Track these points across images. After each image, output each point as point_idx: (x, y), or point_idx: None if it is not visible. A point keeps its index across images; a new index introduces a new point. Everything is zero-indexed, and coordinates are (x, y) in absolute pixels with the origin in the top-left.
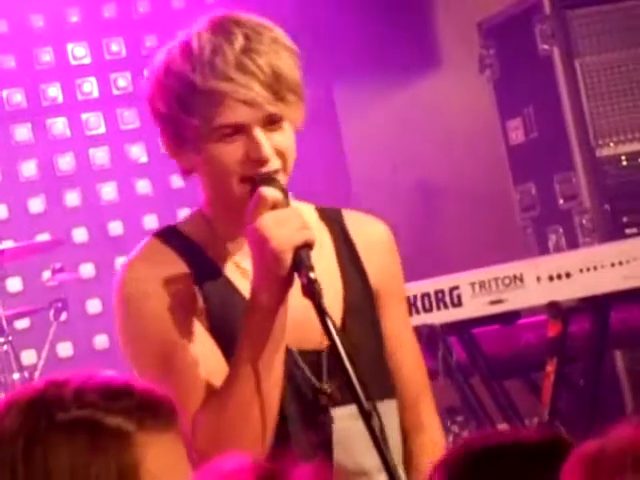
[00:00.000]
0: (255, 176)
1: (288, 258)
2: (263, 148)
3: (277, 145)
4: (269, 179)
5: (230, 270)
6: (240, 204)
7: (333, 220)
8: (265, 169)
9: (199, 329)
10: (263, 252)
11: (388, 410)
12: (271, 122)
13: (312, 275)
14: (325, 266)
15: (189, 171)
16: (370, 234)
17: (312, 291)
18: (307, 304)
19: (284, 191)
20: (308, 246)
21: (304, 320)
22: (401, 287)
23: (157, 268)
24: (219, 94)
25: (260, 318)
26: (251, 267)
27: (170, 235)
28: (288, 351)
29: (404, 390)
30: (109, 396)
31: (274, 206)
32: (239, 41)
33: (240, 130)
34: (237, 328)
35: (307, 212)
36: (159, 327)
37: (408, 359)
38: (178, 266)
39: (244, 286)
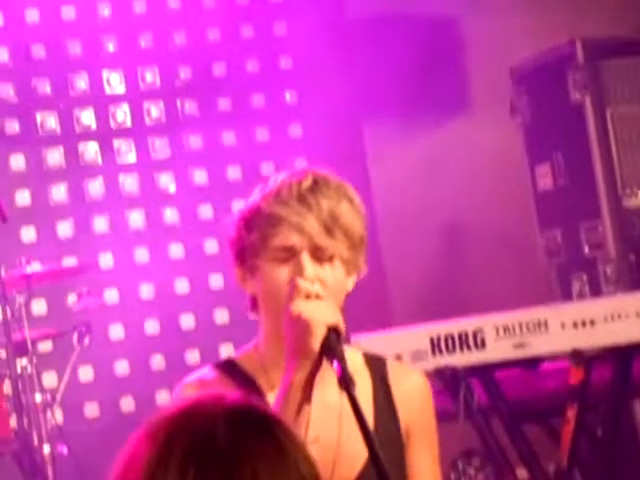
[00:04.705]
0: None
1: (320, 332)
2: (305, 269)
3: (321, 276)
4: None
5: (274, 398)
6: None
7: (376, 366)
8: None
9: None
10: (296, 328)
11: None
12: (321, 255)
13: (343, 362)
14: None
15: (254, 303)
16: (407, 383)
17: (345, 378)
18: (333, 443)
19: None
20: (336, 333)
21: (325, 456)
22: (431, 434)
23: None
24: (276, 217)
25: (287, 394)
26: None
27: (227, 367)
28: None
29: None
30: None
31: (307, 296)
32: (307, 182)
33: (291, 255)
34: None
35: (353, 356)
36: None
37: None
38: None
39: None
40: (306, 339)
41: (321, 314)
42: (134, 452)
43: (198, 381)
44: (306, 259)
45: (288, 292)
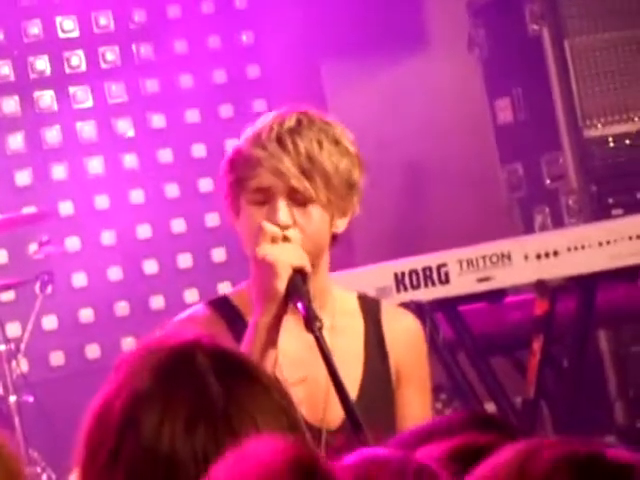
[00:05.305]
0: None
1: (285, 275)
2: (278, 213)
3: (298, 220)
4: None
5: None
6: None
7: (369, 308)
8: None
9: None
10: (261, 271)
11: None
12: (298, 199)
13: (308, 302)
14: (350, 345)
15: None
16: (399, 325)
17: (309, 318)
18: (322, 383)
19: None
20: (303, 273)
21: (314, 396)
22: (422, 374)
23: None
24: (254, 159)
25: (253, 337)
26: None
27: (220, 304)
28: None
29: None
30: None
31: (273, 240)
32: (289, 122)
33: (268, 197)
34: None
35: (348, 298)
36: None
37: None
38: (220, 327)
39: None
40: (271, 281)
41: (286, 256)
42: (128, 418)
43: (188, 318)
44: (281, 203)
45: (255, 235)
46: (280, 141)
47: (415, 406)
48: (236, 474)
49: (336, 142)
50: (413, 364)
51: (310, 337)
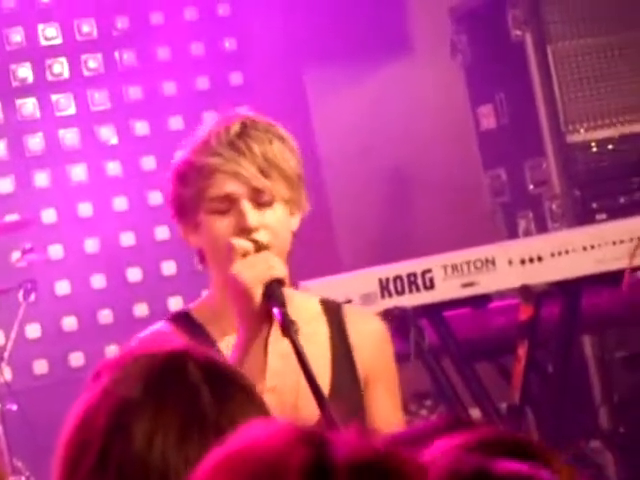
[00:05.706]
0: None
1: (257, 294)
2: (247, 217)
3: (265, 221)
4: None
5: (225, 346)
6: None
7: (333, 312)
8: (253, 237)
9: None
10: (237, 293)
11: None
12: (261, 199)
13: (284, 308)
14: (317, 352)
15: (202, 255)
16: (363, 327)
17: (285, 323)
18: (290, 392)
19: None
20: (277, 282)
21: (283, 405)
22: (390, 377)
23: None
24: (209, 168)
25: (238, 353)
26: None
27: (180, 318)
28: None
29: None
30: None
31: (245, 254)
32: (235, 127)
33: (231, 204)
34: None
35: (310, 303)
36: None
37: None
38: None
39: None
40: (245, 303)
41: (258, 274)
42: (116, 422)
43: (152, 335)
44: (247, 206)
45: (225, 254)
46: (233, 145)
47: (385, 408)
48: (240, 457)
49: (283, 139)
50: (381, 367)
51: (281, 346)
